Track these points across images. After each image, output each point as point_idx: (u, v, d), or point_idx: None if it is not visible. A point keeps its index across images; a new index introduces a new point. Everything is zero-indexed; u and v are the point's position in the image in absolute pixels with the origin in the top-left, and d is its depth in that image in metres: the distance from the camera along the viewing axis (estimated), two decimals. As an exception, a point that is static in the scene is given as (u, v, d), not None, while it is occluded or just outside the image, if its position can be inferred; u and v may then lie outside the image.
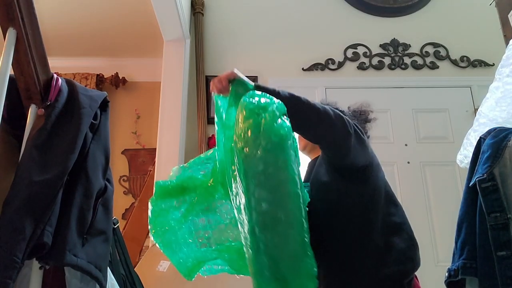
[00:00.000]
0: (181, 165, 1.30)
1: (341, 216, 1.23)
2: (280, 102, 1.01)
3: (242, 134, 0.94)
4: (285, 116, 0.99)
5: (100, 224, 0.93)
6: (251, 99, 0.99)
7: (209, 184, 1.19)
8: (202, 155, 1.32)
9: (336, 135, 1.15)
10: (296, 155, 0.99)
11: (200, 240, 1.21)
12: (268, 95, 1.03)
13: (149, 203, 1.21)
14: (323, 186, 1.28)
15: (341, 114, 1.18)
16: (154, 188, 1.24)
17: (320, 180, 1.29)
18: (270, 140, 0.92)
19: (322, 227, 1.23)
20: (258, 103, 0.98)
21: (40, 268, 0.83)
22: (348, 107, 1.53)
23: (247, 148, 0.92)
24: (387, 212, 1.25)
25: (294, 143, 1.00)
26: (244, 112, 0.96)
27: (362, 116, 1.50)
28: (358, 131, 1.22)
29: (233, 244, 1.20)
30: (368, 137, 1.44)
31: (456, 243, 1.08)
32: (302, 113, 1.12)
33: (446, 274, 1.07)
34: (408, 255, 1.19)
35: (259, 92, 1.03)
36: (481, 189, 1.00)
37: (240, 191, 0.95)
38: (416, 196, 2.64)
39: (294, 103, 1.11)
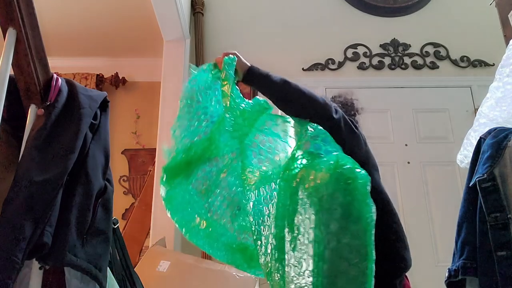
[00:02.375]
0: (173, 133, 1.24)
1: None
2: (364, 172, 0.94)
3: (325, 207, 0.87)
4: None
5: (100, 224, 0.93)
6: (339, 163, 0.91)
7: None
8: (183, 109, 1.24)
9: (321, 116, 1.18)
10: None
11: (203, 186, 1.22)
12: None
13: (161, 186, 1.20)
14: None
15: (332, 103, 1.23)
16: (162, 170, 1.21)
17: None
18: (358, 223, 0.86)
19: None
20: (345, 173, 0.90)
21: (40, 268, 0.83)
22: (333, 98, 1.54)
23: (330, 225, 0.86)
24: (381, 212, 1.25)
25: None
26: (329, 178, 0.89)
27: (351, 109, 1.52)
28: (349, 122, 1.24)
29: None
30: (354, 114, 1.50)
31: (456, 243, 1.08)
32: (292, 98, 1.21)
33: (446, 274, 1.07)
34: (401, 255, 1.19)
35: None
36: (481, 189, 1.00)
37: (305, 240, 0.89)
38: (416, 196, 2.64)
39: (285, 89, 1.22)
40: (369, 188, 0.88)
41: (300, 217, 0.91)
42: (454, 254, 1.08)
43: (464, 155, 1.34)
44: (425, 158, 2.74)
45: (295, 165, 0.97)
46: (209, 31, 3.04)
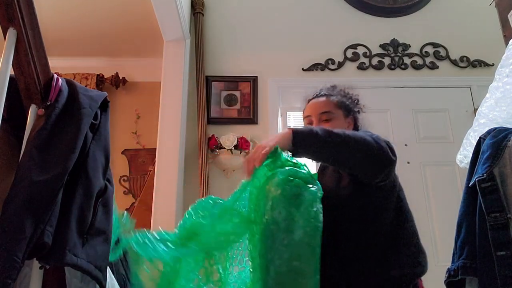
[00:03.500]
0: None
1: (354, 217, 1.24)
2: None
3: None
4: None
5: (100, 224, 0.93)
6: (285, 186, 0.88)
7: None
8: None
9: (381, 166, 1.23)
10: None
11: None
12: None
13: None
14: (341, 193, 1.29)
15: (381, 141, 1.23)
16: None
17: (338, 188, 1.30)
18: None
19: (335, 227, 1.22)
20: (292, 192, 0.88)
21: (40, 268, 0.83)
22: (334, 88, 1.52)
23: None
24: (400, 216, 1.26)
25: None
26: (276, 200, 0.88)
27: (354, 100, 1.54)
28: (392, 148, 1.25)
29: None
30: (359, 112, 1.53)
31: (456, 243, 1.08)
32: (344, 152, 1.14)
33: (446, 274, 1.07)
34: (417, 260, 1.20)
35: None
36: (480, 189, 1.00)
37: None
38: (416, 196, 2.64)
39: (335, 145, 1.12)
40: (317, 205, 0.87)
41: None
42: (454, 254, 1.08)
43: (464, 155, 1.34)
44: (425, 158, 2.74)
45: (263, 175, 0.96)
46: (209, 31, 3.04)
